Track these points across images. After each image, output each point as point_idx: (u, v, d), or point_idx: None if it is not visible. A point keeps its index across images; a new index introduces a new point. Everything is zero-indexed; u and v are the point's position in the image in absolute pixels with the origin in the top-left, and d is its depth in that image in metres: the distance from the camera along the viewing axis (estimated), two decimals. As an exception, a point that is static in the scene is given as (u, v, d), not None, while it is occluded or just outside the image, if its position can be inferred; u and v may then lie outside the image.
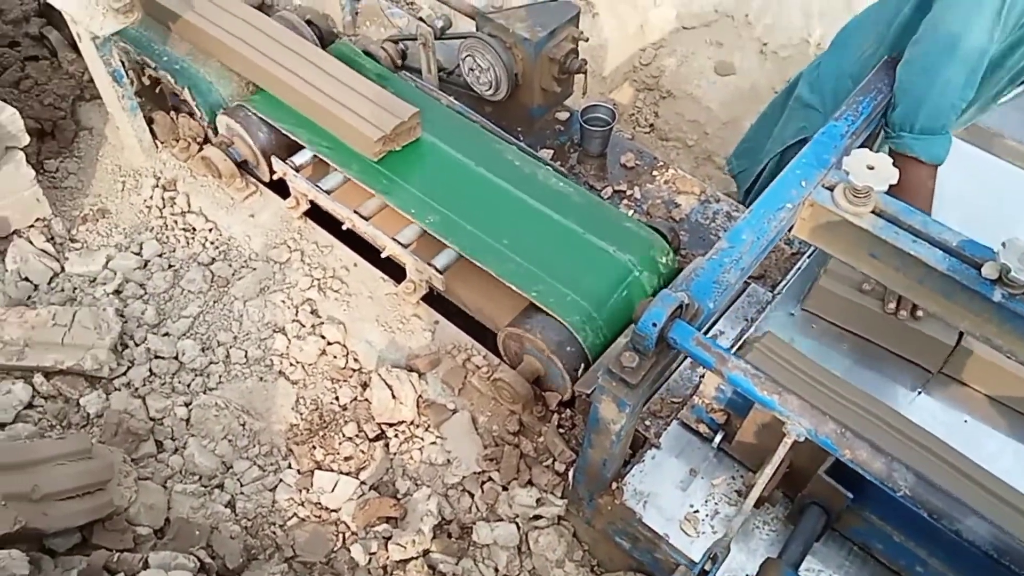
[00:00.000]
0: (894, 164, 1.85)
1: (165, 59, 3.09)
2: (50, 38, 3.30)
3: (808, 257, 2.73)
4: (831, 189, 2.01)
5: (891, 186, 1.84)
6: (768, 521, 2.13)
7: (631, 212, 3.09)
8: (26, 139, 2.71)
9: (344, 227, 2.87)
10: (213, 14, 3.09)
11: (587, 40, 3.23)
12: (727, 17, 5.01)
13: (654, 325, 1.65)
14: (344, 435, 2.51)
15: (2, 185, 2.68)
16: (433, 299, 2.82)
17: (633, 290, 2.61)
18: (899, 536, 1.91)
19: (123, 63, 2.93)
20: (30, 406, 2.36)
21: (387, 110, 2.79)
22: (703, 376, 2.23)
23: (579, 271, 2.58)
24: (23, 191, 2.77)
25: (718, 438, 2.17)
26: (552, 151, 3.34)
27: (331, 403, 2.61)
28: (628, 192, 3.21)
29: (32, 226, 2.87)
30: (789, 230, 2.11)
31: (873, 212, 1.94)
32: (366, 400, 2.60)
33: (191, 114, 3.15)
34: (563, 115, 3.49)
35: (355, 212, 2.80)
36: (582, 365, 2.48)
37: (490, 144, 2.94)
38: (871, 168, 1.86)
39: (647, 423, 2.30)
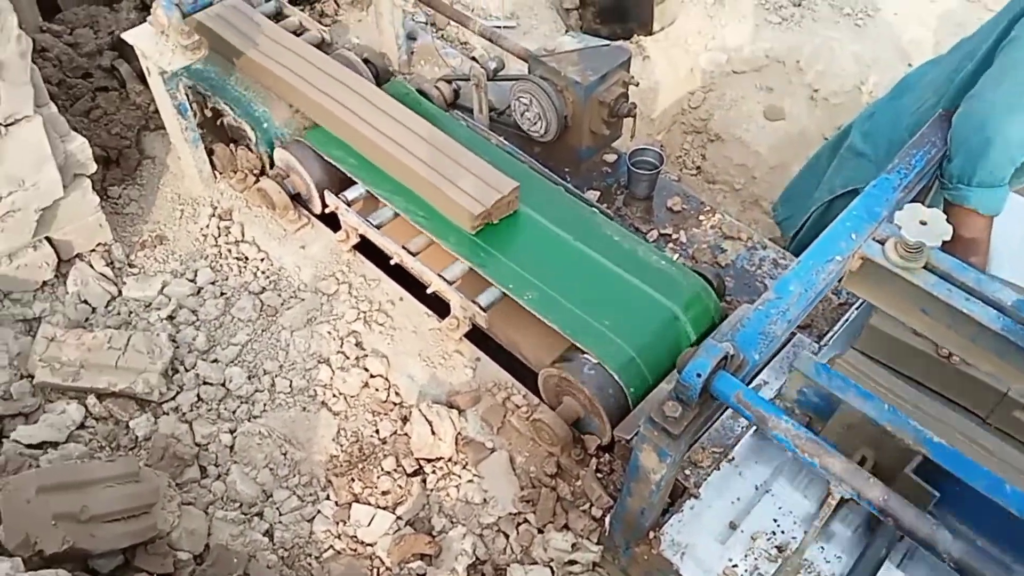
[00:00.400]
0: (948, 214, 1.84)
1: (227, 93, 3.20)
2: (120, 70, 3.44)
3: (856, 308, 2.69)
4: (882, 243, 1.99)
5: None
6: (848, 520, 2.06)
7: (676, 256, 3.09)
8: (93, 167, 2.83)
9: (392, 262, 2.92)
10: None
11: (637, 84, 3.26)
12: (778, 62, 5.01)
13: (698, 376, 1.65)
14: (383, 469, 2.53)
15: (68, 211, 2.79)
16: (476, 336, 2.84)
17: (676, 335, 2.59)
18: (985, 542, 1.84)
19: (187, 96, 3.05)
20: (82, 426, 2.43)
21: (486, 183, 2.78)
22: (749, 426, 2.20)
23: (622, 314, 2.57)
24: (87, 217, 2.88)
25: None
26: (599, 193, 3.36)
27: (371, 436, 2.64)
28: (674, 236, 3.21)
29: (93, 250, 2.97)
30: (838, 282, 2.09)
31: (925, 267, 1.91)
32: (405, 435, 2.62)
33: (249, 147, 3.25)
34: (611, 157, 3.51)
35: (403, 248, 2.85)
36: (623, 409, 2.47)
37: (536, 183, 2.98)
38: (924, 223, 1.84)
39: (687, 472, 2.28)
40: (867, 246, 2.00)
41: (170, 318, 2.84)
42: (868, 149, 2.89)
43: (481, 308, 2.67)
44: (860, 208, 2.17)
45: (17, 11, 2.45)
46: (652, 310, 2.61)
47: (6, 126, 2.48)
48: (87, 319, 2.80)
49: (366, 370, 2.79)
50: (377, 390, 2.75)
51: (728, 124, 5.03)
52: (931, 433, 1.67)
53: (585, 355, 2.51)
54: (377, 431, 2.65)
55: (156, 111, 3.31)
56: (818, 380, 1.81)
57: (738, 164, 5.05)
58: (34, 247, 2.78)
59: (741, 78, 5.05)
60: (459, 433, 2.58)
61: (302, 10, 3.79)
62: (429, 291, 2.82)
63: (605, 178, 3.45)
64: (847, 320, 2.65)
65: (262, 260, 3.09)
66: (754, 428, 2.22)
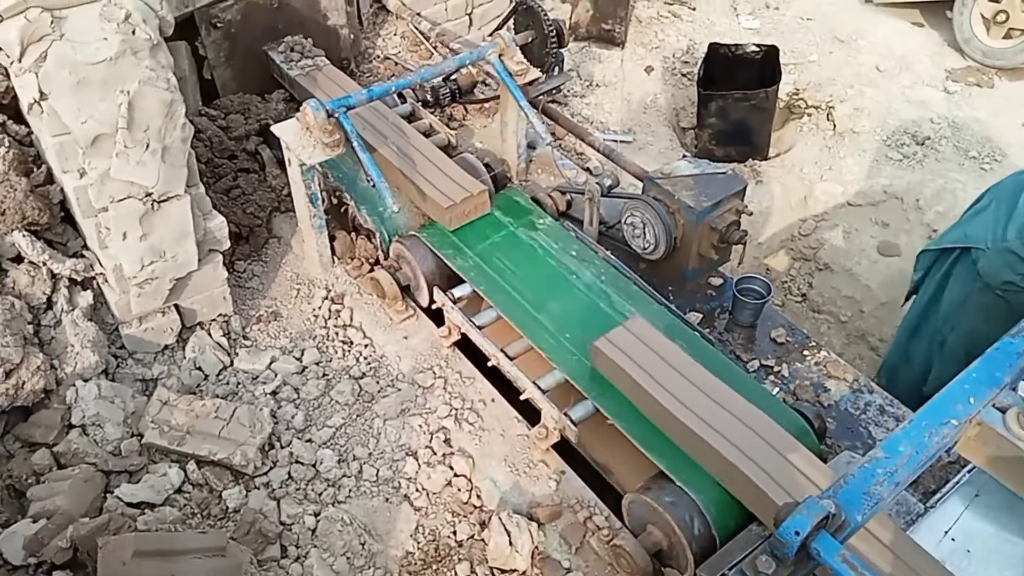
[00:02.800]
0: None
1: (355, 186, 3.41)
2: (262, 155, 3.72)
3: (968, 472, 2.53)
4: (1003, 411, 1.90)
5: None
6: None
7: (776, 390, 3.02)
8: (227, 244, 3.04)
9: (489, 363, 2.97)
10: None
11: (750, 214, 3.28)
12: (896, 199, 4.93)
13: (796, 534, 1.58)
14: (456, 574, 2.51)
15: (199, 282, 2.99)
16: (563, 448, 2.82)
17: (771, 476, 2.50)
18: None
19: (319, 185, 3.26)
20: (179, 490, 2.54)
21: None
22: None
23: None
24: (215, 289, 3.07)
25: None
26: (701, 315, 3.35)
27: (448, 537, 2.63)
28: (775, 368, 3.15)
29: (214, 320, 3.16)
30: (952, 446, 1.99)
31: (1052, 446, 1.80)
32: (482, 540, 2.60)
33: (368, 236, 3.42)
34: (716, 281, 3.51)
35: (502, 350, 2.90)
36: (709, 546, 2.38)
37: (639, 300, 2.99)
38: (1053, 400, 1.75)
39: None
40: (986, 413, 1.91)
41: (273, 393, 2.96)
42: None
43: (572, 421, 2.67)
44: (980, 370, 2.08)
45: (184, 96, 2.71)
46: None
47: (159, 202, 2.71)
48: (199, 385, 2.95)
49: (451, 468, 2.81)
50: (459, 490, 2.75)
51: (839, 255, 4.94)
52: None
53: (674, 484, 2.45)
54: (455, 532, 2.64)
55: (288, 195, 3.54)
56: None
57: (846, 296, 4.93)
58: (163, 312, 2.98)
59: (856, 211, 4.98)
60: (536, 548, 2.54)
61: (433, 113, 4.03)
62: (522, 397, 2.84)
63: (709, 301, 3.44)
64: (956, 483, 2.49)
65: (366, 346, 3.20)
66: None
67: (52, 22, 2.42)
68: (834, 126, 5.33)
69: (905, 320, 3.68)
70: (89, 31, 2.46)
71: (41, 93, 2.46)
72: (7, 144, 2.76)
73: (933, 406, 2.00)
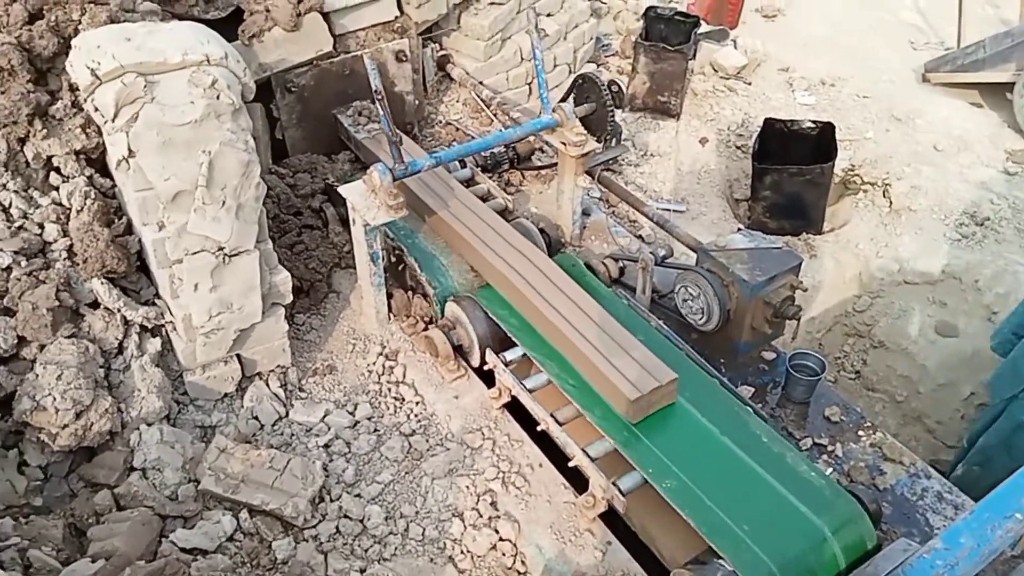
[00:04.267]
0: None
1: (414, 245, 3.51)
2: (326, 212, 3.86)
3: (1033, 567, 2.45)
4: (1071, 508, 1.84)
5: None
6: None
7: (830, 471, 2.95)
8: (290, 298, 3.15)
9: (538, 428, 2.98)
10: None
11: (805, 290, 3.28)
12: (954, 279, 4.86)
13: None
14: (498, 640, 2.49)
15: (261, 333, 3.10)
16: (610, 517, 2.80)
17: (823, 559, 2.45)
18: None
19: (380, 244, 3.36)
20: (231, 538, 2.58)
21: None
22: None
23: (767, 525, 2.47)
24: (275, 340, 3.17)
25: None
26: (753, 390, 3.32)
27: (492, 602, 2.61)
28: (829, 448, 3.09)
29: (272, 371, 3.25)
30: (1016, 541, 1.93)
31: (1123, 548, 1.74)
32: (526, 608, 2.58)
33: (425, 296, 3.50)
34: (769, 355, 3.49)
35: (551, 415, 2.92)
36: (756, 630, 2.33)
37: (689, 372, 2.99)
38: (1123, 499, 1.70)
39: None
40: (1053, 508, 1.86)
41: (326, 446, 3.01)
42: None
43: (620, 491, 2.65)
44: (1047, 463, 2.03)
45: (257, 154, 2.85)
46: (799, 526, 2.49)
47: (230, 256, 2.83)
48: (255, 434, 3.02)
49: (496, 532, 2.80)
50: (504, 555, 2.74)
51: (894, 333, 4.87)
52: None
53: (721, 561, 2.41)
54: (498, 598, 2.62)
55: (349, 252, 3.66)
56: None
57: (902, 375, 4.83)
58: (225, 362, 3.08)
59: (913, 289, 4.92)
60: (580, 619, 2.51)
61: (491, 178, 4.14)
62: (571, 464, 2.84)
63: (761, 375, 3.41)
64: (1021, 578, 2.41)
65: (417, 403, 3.25)
66: None
67: (145, 86, 2.59)
68: (890, 203, 5.31)
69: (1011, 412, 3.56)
70: (178, 95, 2.63)
71: (130, 151, 2.62)
72: (93, 196, 2.93)
73: (996, 498, 1.96)
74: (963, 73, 6.28)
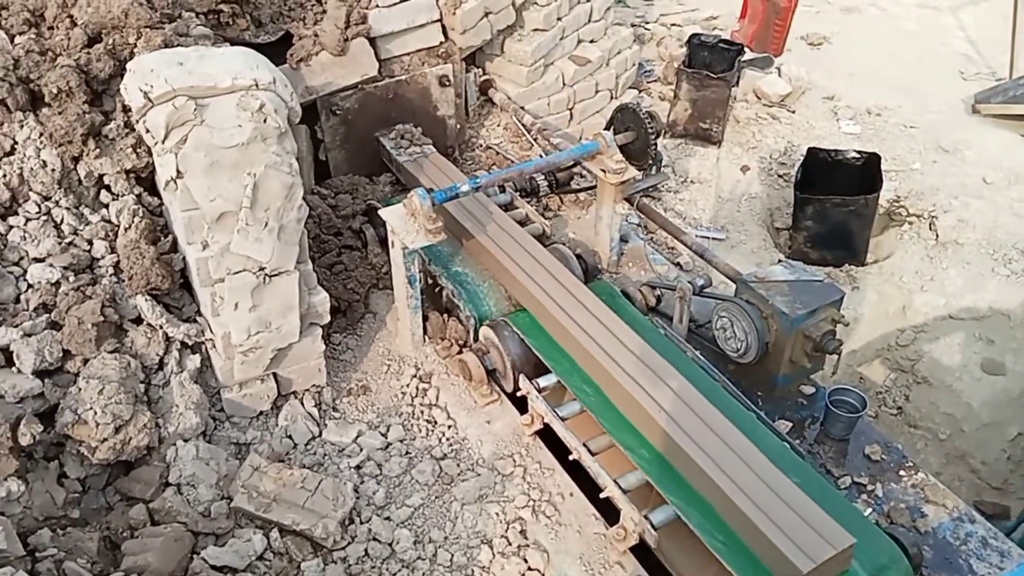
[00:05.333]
0: None
1: (451, 269, 3.53)
2: (366, 234, 3.90)
3: (1083, 623, 2.35)
4: (1124, 564, 1.76)
5: None
6: None
7: (869, 511, 2.88)
8: (328, 319, 3.18)
9: (571, 457, 2.96)
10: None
11: (847, 324, 3.21)
12: (1003, 315, 4.73)
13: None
14: (524, 672, 2.46)
15: (298, 353, 3.13)
16: (640, 551, 2.76)
17: (860, 604, 2.38)
18: None
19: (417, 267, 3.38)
20: (261, 557, 2.60)
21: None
22: None
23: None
24: (311, 360, 3.20)
25: None
26: (791, 424, 3.26)
27: (519, 633, 2.58)
28: (869, 487, 3.02)
29: (307, 390, 3.27)
30: (1065, 597, 1.86)
31: None
32: (553, 640, 2.54)
33: (460, 319, 3.51)
34: (808, 389, 3.42)
35: (584, 444, 2.89)
36: (790, 675, 2.26)
37: (726, 404, 2.94)
38: None
39: None
40: (1105, 564, 1.78)
41: (358, 468, 3.02)
42: None
43: (652, 525, 2.61)
44: (1098, 515, 1.95)
45: (300, 175, 2.90)
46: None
47: (270, 276, 2.87)
48: (288, 453, 3.05)
49: (525, 561, 2.78)
50: (532, 585, 2.71)
51: (938, 369, 4.74)
52: None
53: (755, 601, 2.35)
54: (525, 629, 2.59)
55: (387, 273, 3.69)
56: None
57: (945, 413, 4.70)
58: (262, 380, 3.12)
59: (959, 324, 4.79)
60: (608, 654, 2.46)
61: (530, 203, 4.15)
62: (602, 495, 2.81)
63: (799, 410, 3.35)
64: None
65: (449, 427, 3.25)
66: None
67: (195, 109, 2.65)
68: (936, 236, 5.20)
69: None
70: (226, 118, 2.69)
71: (178, 172, 2.68)
72: (141, 214, 3.01)
73: (1044, 549, 1.89)
74: (1015, 105, 6.15)
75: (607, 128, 4.12)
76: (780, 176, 5.76)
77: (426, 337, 3.57)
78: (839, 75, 6.62)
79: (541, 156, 4.42)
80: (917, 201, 5.42)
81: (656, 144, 3.83)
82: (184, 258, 3.01)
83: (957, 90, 6.53)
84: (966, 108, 6.32)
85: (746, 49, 6.19)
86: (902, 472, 3.08)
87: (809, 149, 5.39)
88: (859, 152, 5.34)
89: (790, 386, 3.41)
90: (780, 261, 3.77)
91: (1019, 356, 4.62)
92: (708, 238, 5.02)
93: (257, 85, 2.75)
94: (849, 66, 6.79)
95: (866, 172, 5.24)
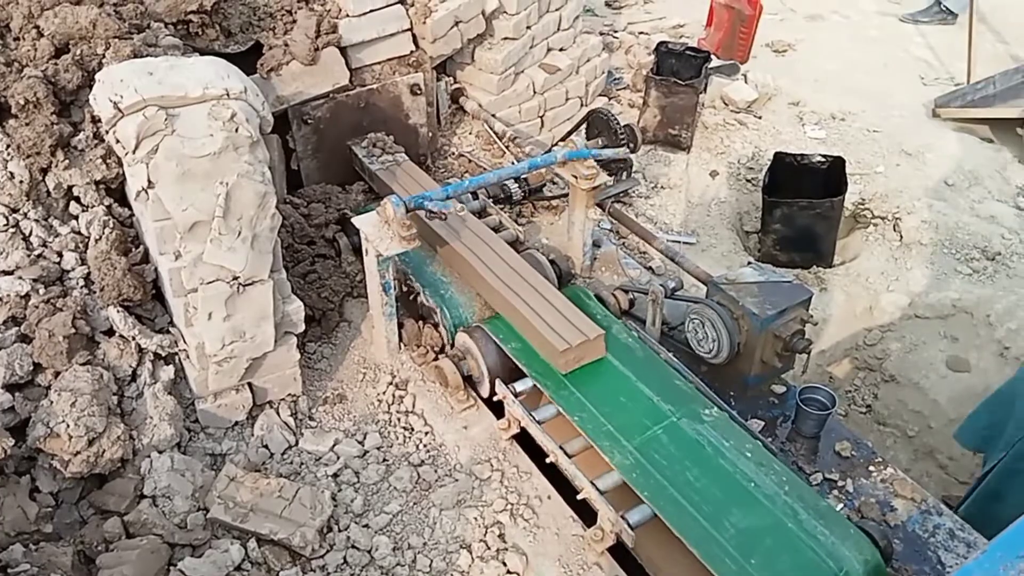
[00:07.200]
0: None
1: (425, 275, 3.55)
2: (339, 242, 3.90)
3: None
4: (1085, 548, 1.82)
5: None
6: None
7: (840, 507, 2.94)
8: (302, 327, 3.17)
9: (548, 460, 2.98)
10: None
11: (815, 323, 3.28)
12: (966, 313, 4.84)
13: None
14: (505, 675, 2.47)
15: (273, 362, 3.12)
16: (619, 552, 2.79)
17: (833, 596, 2.43)
18: None
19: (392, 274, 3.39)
20: (239, 567, 2.58)
21: None
22: None
23: (777, 563, 2.46)
24: (287, 369, 3.19)
25: None
26: (763, 423, 3.31)
27: (499, 636, 2.60)
28: (839, 483, 3.08)
29: (283, 400, 3.26)
30: (1029, 582, 1.91)
31: None
32: (533, 642, 2.56)
33: (436, 325, 3.53)
34: (779, 388, 3.48)
35: (560, 447, 2.92)
36: (766, 669, 2.30)
37: (699, 403, 2.99)
38: None
39: None
40: (1066, 548, 1.83)
41: (335, 476, 3.02)
42: None
43: (629, 525, 2.64)
44: (1059, 502, 2.01)
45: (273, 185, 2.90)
46: (809, 563, 2.47)
47: (244, 286, 2.87)
48: (264, 463, 3.04)
49: (504, 564, 2.79)
50: (512, 588, 2.73)
51: (906, 367, 4.84)
52: None
53: (732, 598, 2.39)
54: (505, 632, 2.61)
55: (362, 281, 3.69)
56: None
57: (913, 410, 4.80)
58: (237, 390, 3.11)
59: (924, 323, 4.90)
60: (588, 654, 2.49)
61: (503, 210, 4.18)
62: (579, 497, 2.83)
63: (771, 409, 3.41)
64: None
65: (426, 433, 3.25)
66: None
67: (166, 119, 2.65)
68: (901, 237, 5.31)
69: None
70: (197, 128, 2.69)
71: (149, 182, 2.67)
72: (111, 225, 2.99)
73: (1009, 536, 1.94)
74: (973, 108, 6.31)
75: (573, 132, 4.16)
76: (748, 180, 5.85)
77: (402, 344, 3.58)
78: (804, 81, 6.75)
79: (514, 163, 4.46)
80: (881, 203, 5.54)
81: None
82: (156, 269, 2.99)
83: (918, 95, 6.69)
84: (927, 112, 6.47)
85: (713, 56, 6.28)
86: (871, 468, 3.14)
87: (776, 154, 5.48)
88: (824, 156, 5.45)
89: (761, 386, 3.47)
90: (750, 263, 3.83)
91: (983, 353, 4.74)
92: (679, 242, 5.08)
93: (228, 94, 2.75)
94: (814, 72, 6.92)
95: (831, 176, 5.34)
